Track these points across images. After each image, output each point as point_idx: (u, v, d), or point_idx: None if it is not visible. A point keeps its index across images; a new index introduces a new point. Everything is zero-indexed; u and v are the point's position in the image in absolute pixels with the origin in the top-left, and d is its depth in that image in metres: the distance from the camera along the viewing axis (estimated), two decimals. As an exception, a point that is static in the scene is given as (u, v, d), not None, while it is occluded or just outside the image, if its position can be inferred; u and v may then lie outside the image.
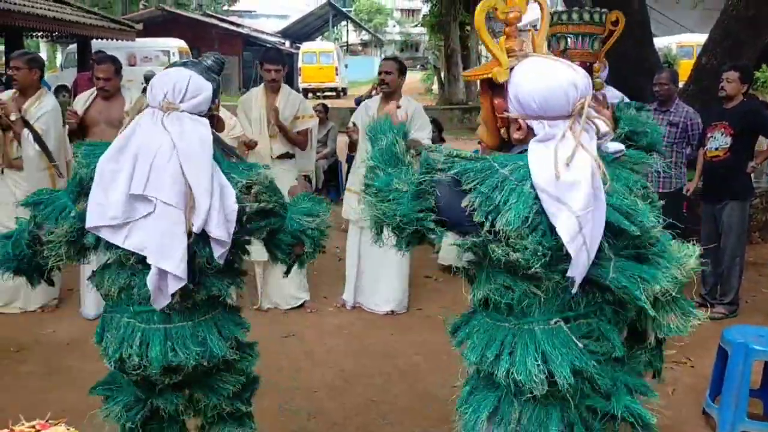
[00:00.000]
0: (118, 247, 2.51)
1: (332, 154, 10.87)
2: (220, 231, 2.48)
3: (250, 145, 5.90)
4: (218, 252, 2.52)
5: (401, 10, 60.10)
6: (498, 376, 2.06)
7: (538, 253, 1.92)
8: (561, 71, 2.04)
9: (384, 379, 4.73)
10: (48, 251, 2.58)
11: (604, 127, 2.06)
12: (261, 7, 58.72)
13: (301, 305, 6.12)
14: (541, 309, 2.08)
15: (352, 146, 5.92)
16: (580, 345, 2.03)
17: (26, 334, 5.43)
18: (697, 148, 6.32)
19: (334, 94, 31.67)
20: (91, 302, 5.68)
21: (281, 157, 5.99)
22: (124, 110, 5.57)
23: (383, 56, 7.42)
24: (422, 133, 5.79)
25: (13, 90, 5.78)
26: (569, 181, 1.92)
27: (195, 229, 2.45)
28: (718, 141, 5.98)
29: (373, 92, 10.68)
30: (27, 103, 5.64)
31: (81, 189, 2.57)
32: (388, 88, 5.82)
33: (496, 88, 2.10)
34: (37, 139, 5.54)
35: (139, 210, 2.47)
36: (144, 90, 5.82)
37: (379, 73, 5.89)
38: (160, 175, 2.45)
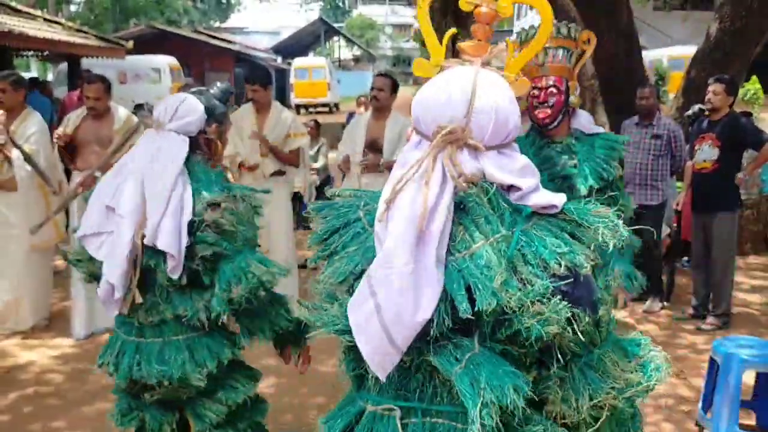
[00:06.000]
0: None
1: (324, 169, 10.87)
2: (168, 243, 2.54)
3: (252, 168, 5.87)
4: (170, 265, 2.57)
5: (393, 25, 60.25)
6: None
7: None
8: (452, 82, 1.63)
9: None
10: (79, 269, 2.81)
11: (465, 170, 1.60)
12: (253, 24, 58.90)
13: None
14: (375, 388, 1.70)
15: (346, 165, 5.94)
16: None
17: (17, 354, 5.40)
18: (684, 160, 6.36)
19: (326, 109, 31.68)
20: (80, 324, 5.66)
21: (273, 174, 5.97)
22: (114, 129, 5.56)
23: (377, 71, 7.42)
24: None
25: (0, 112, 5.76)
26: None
27: (146, 240, 2.56)
28: (706, 153, 6.01)
29: (361, 108, 10.71)
30: (14, 125, 5.63)
31: None
32: (379, 104, 5.84)
33: None
34: (28, 159, 5.53)
35: (112, 223, 2.62)
36: (134, 109, 5.83)
37: (372, 89, 5.90)
38: (124, 188, 2.61)
